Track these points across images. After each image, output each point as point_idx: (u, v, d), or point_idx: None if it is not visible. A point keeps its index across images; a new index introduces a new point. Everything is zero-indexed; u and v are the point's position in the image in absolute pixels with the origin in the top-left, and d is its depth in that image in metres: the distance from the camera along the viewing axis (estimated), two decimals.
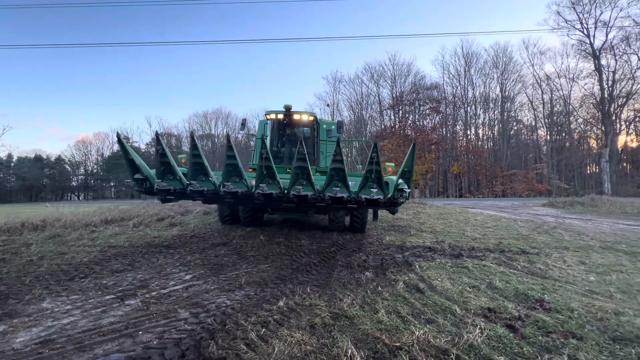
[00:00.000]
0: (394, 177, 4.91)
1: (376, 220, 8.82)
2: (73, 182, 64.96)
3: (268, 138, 8.29)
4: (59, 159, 63.13)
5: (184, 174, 4.77)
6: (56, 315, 3.11)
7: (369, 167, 4.54)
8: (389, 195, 4.69)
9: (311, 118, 8.13)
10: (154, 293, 3.73)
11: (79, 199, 62.60)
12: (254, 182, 4.73)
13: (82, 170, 64.46)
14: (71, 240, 6.83)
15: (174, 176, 4.72)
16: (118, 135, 4.43)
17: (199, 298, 3.56)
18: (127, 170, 4.65)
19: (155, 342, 2.56)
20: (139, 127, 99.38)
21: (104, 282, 4.17)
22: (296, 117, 7.89)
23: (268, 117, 8.26)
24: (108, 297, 3.62)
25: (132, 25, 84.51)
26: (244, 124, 9.66)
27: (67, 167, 63.96)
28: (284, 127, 8.30)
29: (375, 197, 4.58)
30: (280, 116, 7.96)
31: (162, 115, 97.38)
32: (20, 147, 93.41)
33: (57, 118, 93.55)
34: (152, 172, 4.77)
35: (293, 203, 5.06)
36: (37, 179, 58.83)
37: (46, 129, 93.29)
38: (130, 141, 61.82)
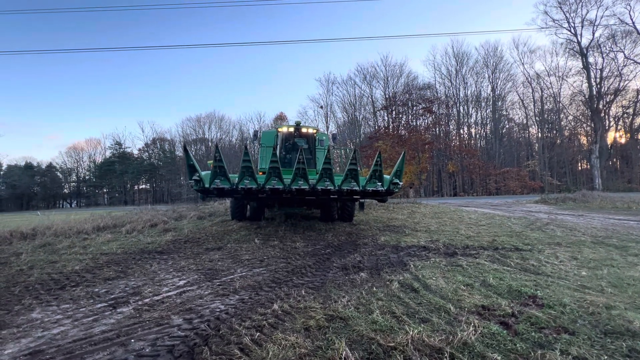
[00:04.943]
0: (388, 176, 6.65)
1: (362, 209, 10.37)
2: (65, 190, 64.07)
3: (278, 147, 9.73)
4: (50, 166, 62.26)
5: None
6: (46, 325, 3.05)
7: (374, 168, 6.35)
8: (385, 188, 6.52)
9: (314, 131, 9.88)
10: (146, 300, 3.68)
11: (71, 206, 61.75)
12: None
13: (74, 177, 63.64)
14: (62, 249, 6.73)
15: (224, 178, 5.99)
16: (184, 146, 6.14)
17: (192, 304, 3.52)
18: (187, 173, 5.95)
19: (147, 350, 2.53)
20: (131, 133, 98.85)
21: (96, 290, 4.11)
22: (303, 130, 9.64)
23: (280, 130, 9.86)
24: (100, 305, 3.57)
25: (123, 31, 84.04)
26: (256, 135, 10.33)
27: (58, 174, 63.09)
28: (292, 138, 9.83)
29: (379, 189, 6.46)
30: (291, 129, 9.63)
31: (154, 120, 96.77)
32: (10, 155, 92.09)
33: (54, 125, 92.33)
34: (203, 174, 5.97)
35: (318, 195, 6.58)
36: (28, 187, 57.89)
37: (45, 135, 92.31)
38: (123, 146, 61.27)
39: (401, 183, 6.63)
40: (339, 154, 28.54)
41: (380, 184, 6.47)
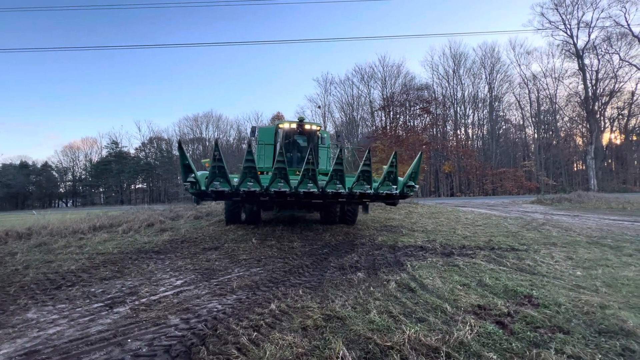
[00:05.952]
0: (401, 178, 6.17)
1: (366, 212, 9.75)
2: (60, 189, 63.46)
3: (278, 144, 9.07)
4: (45, 165, 61.63)
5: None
6: (42, 325, 3.04)
7: (389, 170, 5.79)
8: (399, 191, 6.06)
9: (317, 128, 9.22)
10: (143, 300, 3.67)
11: (67, 205, 61.23)
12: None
13: (69, 177, 63.11)
14: (58, 248, 6.68)
15: (224, 180, 5.43)
16: (179, 143, 5.15)
17: (189, 303, 3.51)
18: (182, 174, 5.41)
19: (144, 350, 2.52)
20: (128, 132, 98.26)
21: (92, 290, 4.09)
22: (306, 127, 8.99)
23: (281, 126, 9.19)
24: (96, 305, 3.55)
25: (120, 29, 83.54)
26: (253, 131, 10.06)
27: (54, 173, 62.48)
28: (293, 135, 9.18)
29: (393, 192, 6.00)
30: (293, 126, 8.94)
31: (151, 119, 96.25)
32: (5, 153, 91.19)
33: (51, 124, 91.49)
34: (200, 174, 5.50)
35: (327, 198, 6.11)
36: (23, 186, 57.33)
37: (42, 134, 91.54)
38: (120, 146, 60.91)
39: (417, 186, 6.19)
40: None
41: (394, 187, 6.00)
